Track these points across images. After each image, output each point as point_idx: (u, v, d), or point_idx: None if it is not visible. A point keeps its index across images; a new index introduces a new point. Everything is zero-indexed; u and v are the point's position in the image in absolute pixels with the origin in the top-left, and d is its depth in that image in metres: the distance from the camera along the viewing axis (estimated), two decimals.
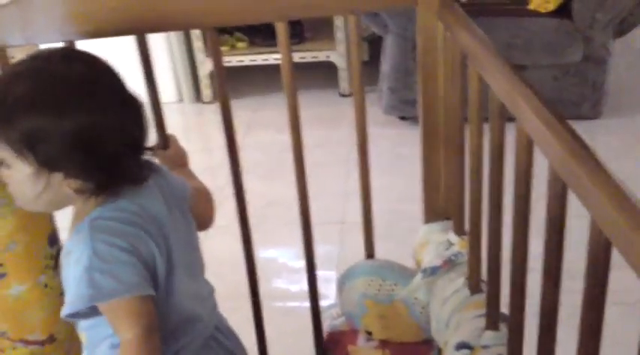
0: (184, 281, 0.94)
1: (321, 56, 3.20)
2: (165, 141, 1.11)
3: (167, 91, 3.27)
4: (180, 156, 1.10)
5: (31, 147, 0.83)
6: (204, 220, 1.05)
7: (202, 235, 1.04)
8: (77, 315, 0.90)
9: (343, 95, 3.20)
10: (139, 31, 1.08)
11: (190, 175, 1.08)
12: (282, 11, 1.11)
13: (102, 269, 0.85)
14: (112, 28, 1.06)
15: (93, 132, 0.84)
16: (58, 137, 0.83)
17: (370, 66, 3.12)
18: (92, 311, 0.89)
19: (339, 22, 3.11)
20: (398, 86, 2.82)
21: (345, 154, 2.62)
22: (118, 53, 0.96)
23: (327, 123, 2.95)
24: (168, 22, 1.10)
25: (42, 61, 0.88)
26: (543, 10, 2.74)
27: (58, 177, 0.86)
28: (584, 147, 0.62)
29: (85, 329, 0.96)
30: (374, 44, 3.24)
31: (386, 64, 2.85)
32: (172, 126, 1.15)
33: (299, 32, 3.24)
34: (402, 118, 2.93)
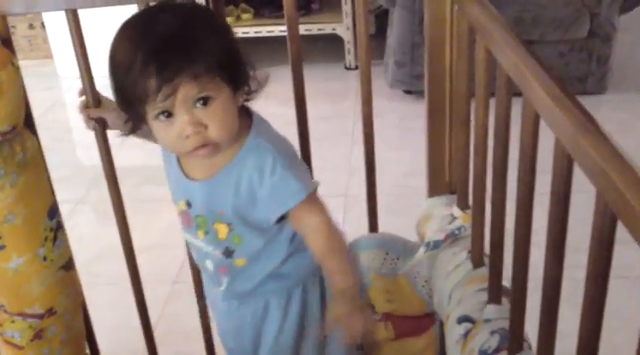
0: None
1: (327, 29, 3.18)
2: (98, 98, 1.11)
3: None
4: None
5: (225, 65, 0.88)
6: None
7: None
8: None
9: (349, 68, 3.19)
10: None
11: None
12: None
13: (294, 167, 0.95)
14: None
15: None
16: (230, 50, 0.90)
17: (376, 39, 3.10)
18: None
19: None
20: (404, 60, 2.80)
21: (350, 128, 2.62)
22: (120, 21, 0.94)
23: (333, 96, 2.94)
24: None
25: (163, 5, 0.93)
26: None
27: (237, 91, 0.91)
28: (592, 121, 0.62)
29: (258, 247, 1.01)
30: (380, 17, 3.22)
31: (392, 38, 2.83)
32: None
33: (306, 4, 3.22)
34: (408, 92, 2.92)
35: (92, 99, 1.10)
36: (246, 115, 0.97)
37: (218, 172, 0.96)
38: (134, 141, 1.06)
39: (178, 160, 1.01)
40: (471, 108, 1.02)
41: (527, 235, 0.85)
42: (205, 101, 0.87)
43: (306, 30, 3.10)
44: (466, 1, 0.98)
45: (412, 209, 1.30)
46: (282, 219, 0.98)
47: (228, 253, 1.01)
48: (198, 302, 1.29)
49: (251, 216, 0.97)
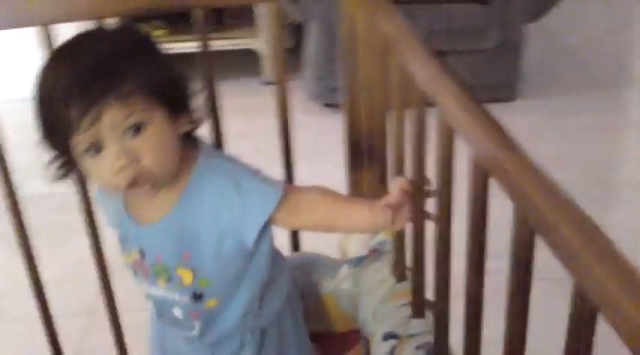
0: None
1: (243, 44, 3.15)
2: None
3: None
4: None
5: (157, 86, 0.81)
6: None
7: None
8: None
9: (267, 83, 3.17)
10: (44, 22, 1.02)
11: None
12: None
13: (257, 175, 0.90)
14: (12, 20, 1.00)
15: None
16: (163, 71, 0.85)
17: (294, 53, 3.10)
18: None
19: (260, 8, 3.06)
20: (322, 73, 2.81)
21: (271, 143, 2.59)
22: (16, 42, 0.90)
23: (252, 112, 2.90)
24: (77, 12, 1.04)
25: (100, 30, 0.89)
26: None
27: (178, 119, 0.85)
28: (508, 137, 0.62)
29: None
30: (297, 31, 3.22)
31: (309, 51, 2.84)
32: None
33: (220, 19, 3.18)
34: (328, 105, 2.92)
35: None
36: (193, 144, 0.90)
37: (171, 209, 0.88)
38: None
39: (124, 206, 0.93)
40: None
41: (447, 247, 0.85)
42: (137, 128, 0.80)
43: (221, 45, 3.06)
44: (379, 16, 0.99)
45: None
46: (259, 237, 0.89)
47: (197, 297, 0.92)
48: (116, 334, 1.24)
49: (221, 249, 0.89)
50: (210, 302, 0.93)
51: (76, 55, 0.81)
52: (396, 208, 0.85)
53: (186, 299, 0.92)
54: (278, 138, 1.20)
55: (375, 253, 1.09)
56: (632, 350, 0.43)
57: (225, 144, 1.16)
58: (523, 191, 0.56)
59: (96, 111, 0.76)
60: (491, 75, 2.88)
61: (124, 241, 0.95)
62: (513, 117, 2.85)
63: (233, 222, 0.87)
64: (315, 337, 1.10)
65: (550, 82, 3.17)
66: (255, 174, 0.90)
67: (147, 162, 0.81)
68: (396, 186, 0.87)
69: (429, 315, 0.95)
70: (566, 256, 0.51)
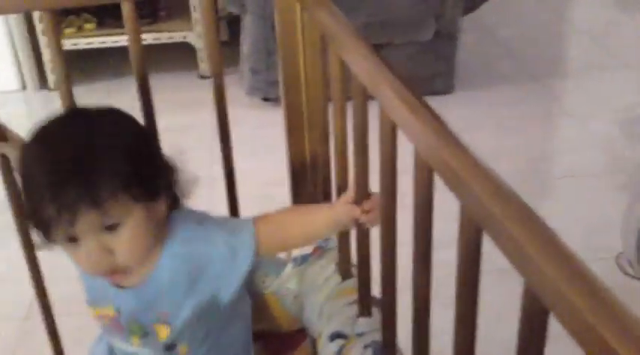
0: None
1: (178, 37, 3.08)
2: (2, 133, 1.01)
3: (7, 78, 3.02)
4: None
5: (134, 184, 0.81)
6: None
7: None
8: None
9: (203, 77, 3.11)
10: None
11: None
12: None
13: (225, 221, 0.97)
14: None
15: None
16: (142, 164, 0.84)
17: (231, 46, 3.04)
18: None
19: (194, 0, 3.00)
20: (259, 67, 2.77)
21: (210, 139, 2.55)
22: None
23: (188, 106, 2.85)
24: (7, 4, 0.99)
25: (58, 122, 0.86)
26: None
27: (157, 202, 0.86)
28: (449, 132, 0.61)
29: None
30: (233, 23, 3.17)
31: (246, 45, 2.79)
32: (15, 116, 1.05)
33: (153, 12, 3.10)
34: (266, 99, 2.89)
35: None
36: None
37: (150, 275, 0.89)
38: None
39: None
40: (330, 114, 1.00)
41: (392, 244, 0.84)
42: (113, 226, 0.81)
43: (155, 39, 2.98)
44: (315, 9, 0.96)
45: None
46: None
47: (170, 347, 0.94)
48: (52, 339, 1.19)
49: (202, 304, 0.91)
50: (182, 349, 0.94)
51: (52, 153, 0.81)
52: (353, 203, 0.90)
53: (159, 351, 0.94)
54: (217, 132, 1.17)
55: (319, 250, 1.07)
56: (585, 350, 0.42)
57: (163, 138, 1.12)
58: (467, 187, 0.55)
59: (70, 215, 0.78)
60: (427, 67, 2.90)
61: (95, 297, 0.95)
62: (451, 109, 2.88)
63: (212, 281, 0.90)
64: (260, 337, 1.08)
65: (486, 73, 3.22)
66: (220, 220, 0.96)
67: (121, 257, 0.84)
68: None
69: (376, 312, 0.94)
70: (514, 255, 0.50)
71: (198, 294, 0.90)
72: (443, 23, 2.80)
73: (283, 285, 1.08)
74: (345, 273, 1.02)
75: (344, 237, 1.00)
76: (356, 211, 0.89)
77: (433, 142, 0.61)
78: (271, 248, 0.96)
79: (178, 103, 2.80)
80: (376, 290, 0.93)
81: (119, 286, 0.91)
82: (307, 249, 1.07)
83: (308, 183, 1.20)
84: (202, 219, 0.94)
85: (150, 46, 0.99)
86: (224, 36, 3.35)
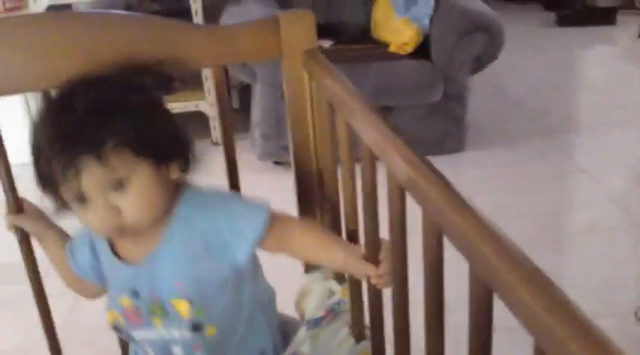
0: None
1: (191, 106, 3.15)
2: (19, 204, 1.03)
3: (23, 151, 3.06)
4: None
5: (142, 141, 0.82)
6: None
7: None
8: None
9: (216, 143, 3.16)
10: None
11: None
12: (148, 68, 1.06)
13: (241, 198, 0.95)
14: None
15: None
16: (152, 124, 0.84)
17: (242, 112, 3.10)
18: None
19: (206, 71, 3.08)
20: (270, 133, 2.82)
21: None
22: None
23: (202, 172, 2.88)
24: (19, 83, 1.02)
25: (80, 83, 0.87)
26: (403, 53, 2.85)
27: (167, 166, 0.87)
28: (457, 195, 0.61)
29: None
30: (245, 91, 3.24)
31: (256, 112, 2.85)
32: (31, 189, 1.08)
33: (167, 83, 3.17)
34: (277, 163, 2.92)
35: (12, 206, 1.02)
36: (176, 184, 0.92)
37: (160, 244, 0.89)
38: None
39: (112, 250, 0.94)
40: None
41: (404, 305, 0.84)
42: (120, 184, 0.82)
43: (170, 108, 3.05)
44: (323, 78, 0.99)
45: (290, 284, 1.27)
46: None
47: (196, 327, 0.91)
48: None
49: (214, 274, 0.90)
50: (211, 330, 0.92)
51: (63, 110, 0.83)
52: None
53: (185, 332, 0.92)
54: None
55: (332, 313, 1.07)
56: None
57: None
58: (475, 249, 0.55)
59: (74, 169, 0.79)
60: (437, 128, 2.93)
61: (113, 287, 0.96)
62: (462, 169, 2.90)
63: (223, 245, 0.89)
64: None
65: (497, 132, 3.25)
66: (236, 196, 0.96)
67: (129, 216, 0.84)
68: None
69: None
70: (524, 316, 0.50)
71: (211, 262, 0.89)
72: (451, 84, 2.84)
73: (297, 349, 1.07)
74: (358, 335, 1.02)
75: (356, 298, 1.00)
76: (370, 270, 0.88)
77: (440, 205, 0.62)
78: (272, 247, 0.93)
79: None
80: (390, 350, 0.92)
81: (130, 263, 0.92)
82: (320, 312, 1.07)
83: (321, 227, 1.21)
84: (216, 189, 0.95)
85: None
86: (235, 103, 3.42)
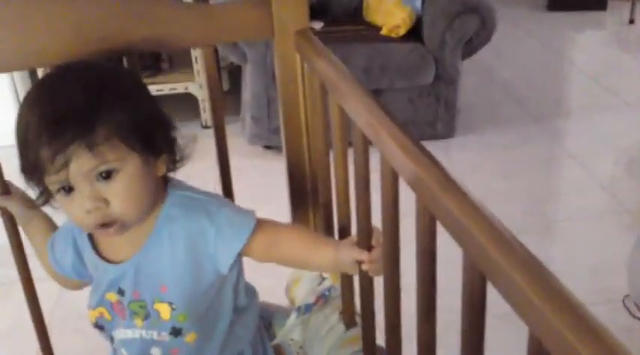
0: None
1: (180, 88, 3.12)
2: (5, 186, 1.01)
3: (11, 133, 3.03)
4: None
5: (132, 132, 0.81)
6: None
7: None
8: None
9: (206, 126, 3.14)
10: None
11: None
12: (135, 45, 1.04)
13: (228, 203, 0.93)
14: None
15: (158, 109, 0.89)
16: (141, 114, 0.83)
17: (232, 95, 3.07)
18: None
19: (196, 51, 3.04)
20: (261, 115, 2.80)
21: (212, 187, 2.55)
22: None
23: (193, 155, 2.86)
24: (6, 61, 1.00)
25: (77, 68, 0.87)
26: (395, 35, 2.83)
27: (155, 160, 0.85)
28: (450, 179, 0.60)
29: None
30: (235, 73, 3.21)
31: (247, 94, 2.82)
32: (19, 171, 1.06)
33: (155, 63, 3.14)
34: (268, 147, 2.90)
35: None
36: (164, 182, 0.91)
37: (144, 244, 0.88)
38: None
39: (95, 249, 0.92)
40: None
41: (396, 290, 0.83)
42: (108, 174, 0.80)
43: (158, 90, 3.02)
44: (315, 59, 0.98)
45: (280, 269, 1.26)
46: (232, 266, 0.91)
47: (176, 332, 0.90)
48: None
49: (197, 280, 0.89)
50: (190, 337, 0.91)
51: (52, 97, 0.81)
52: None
53: (165, 335, 0.91)
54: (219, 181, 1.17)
55: (322, 299, 1.06)
56: None
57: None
58: (469, 234, 0.54)
59: (64, 157, 0.77)
60: (428, 111, 2.91)
61: (98, 285, 0.94)
62: (453, 152, 2.90)
63: (208, 250, 0.88)
64: None
65: (488, 116, 3.24)
66: (223, 201, 0.94)
67: (115, 207, 0.82)
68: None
69: None
70: (517, 303, 0.49)
71: (195, 265, 0.88)
72: (443, 67, 2.83)
73: (288, 336, 1.06)
74: (349, 322, 1.01)
75: (347, 284, 0.99)
76: (362, 255, 0.86)
77: (434, 190, 0.61)
78: (260, 256, 0.92)
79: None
80: (380, 337, 0.92)
81: (114, 262, 0.91)
82: (310, 298, 1.06)
83: (310, 229, 1.20)
84: (204, 192, 0.93)
85: (154, 97, 1.02)
86: (225, 85, 3.39)
